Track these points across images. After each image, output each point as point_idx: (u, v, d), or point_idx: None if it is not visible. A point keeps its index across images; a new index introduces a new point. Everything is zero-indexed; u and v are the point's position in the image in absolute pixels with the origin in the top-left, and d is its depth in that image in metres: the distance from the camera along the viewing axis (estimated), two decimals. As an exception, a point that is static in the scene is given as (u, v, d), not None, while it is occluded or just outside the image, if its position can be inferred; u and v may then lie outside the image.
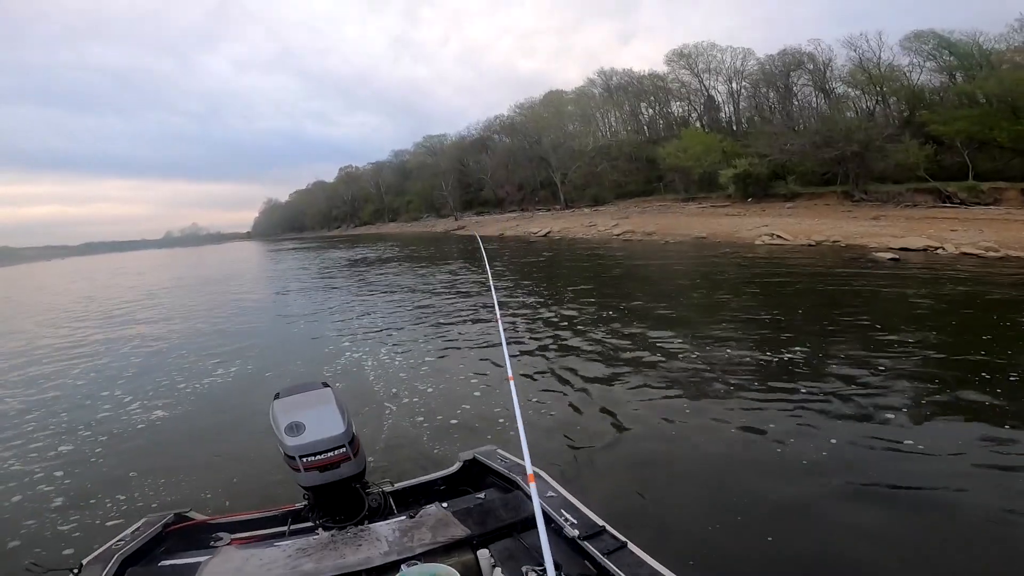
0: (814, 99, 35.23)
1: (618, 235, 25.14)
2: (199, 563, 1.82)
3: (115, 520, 3.60)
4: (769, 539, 2.95)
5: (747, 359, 6.08)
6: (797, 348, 6.20)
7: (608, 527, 1.80)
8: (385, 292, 15.47)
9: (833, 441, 4.03)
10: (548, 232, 30.25)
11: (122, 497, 4.03)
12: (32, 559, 2.44)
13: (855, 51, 30.62)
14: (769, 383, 5.26)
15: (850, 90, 32.19)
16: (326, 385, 2.24)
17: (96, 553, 1.94)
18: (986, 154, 22.97)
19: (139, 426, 5.69)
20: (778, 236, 18.35)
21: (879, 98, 30.68)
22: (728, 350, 6.45)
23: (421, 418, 5.23)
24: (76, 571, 1.79)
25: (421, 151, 66.27)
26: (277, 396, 2.17)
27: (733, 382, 5.37)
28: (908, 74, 29.33)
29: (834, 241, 16.76)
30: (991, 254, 12.40)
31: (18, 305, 21.98)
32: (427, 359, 7.42)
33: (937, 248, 13.59)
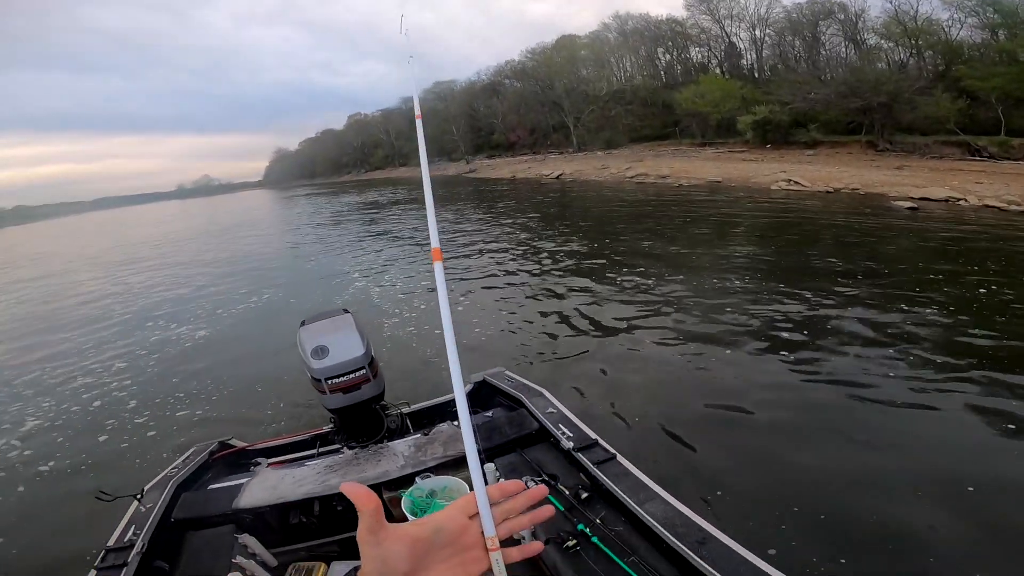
0: (843, 49, 33.74)
1: (631, 177, 24.65)
2: (241, 484, 2.03)
3: (169, 446, 3.98)
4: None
5: (746, 297, 6.11)
6: (802, 291, 6.15)
7: (600, 440, 1.92)
8: (392, 231, 15.55)
9: (794, 370, 4.18)
10: (560, 174, 29.72)
11: (175, 426, 4.40)
12: (101, 485, 2.64)
13: (891, 3, 28.99)
14: (764, 322, 5.30)
15: (883, 42, 30.65)
16: (347, 311, 2.39)
17: (154, 480, 2.16)
18: (1022, 111, 22.09)
19: (183, 358, 6.12)
20: (795, 182, 17.92)
21: (913, 51, 29.22)
22: (728, 285, 6.51)
23: (429, 345, 5.47)
24: (139, 496, 2.01)
25: (431, 97, 64.59)
26: (303, 324, 2.32)
27: (729, 320, 5.42)
28: (947, 29, 27.91)
29: (853, 189, 16.35)
30: (1014, 207, 12.08)
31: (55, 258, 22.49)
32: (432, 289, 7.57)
33: (960, 199, 13.20)
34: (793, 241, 8.68)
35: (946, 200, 13.29)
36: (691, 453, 3.22)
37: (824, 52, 34.47)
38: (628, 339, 5.08)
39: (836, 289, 5.92)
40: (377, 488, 1.94)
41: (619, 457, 1.82)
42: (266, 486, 1.97)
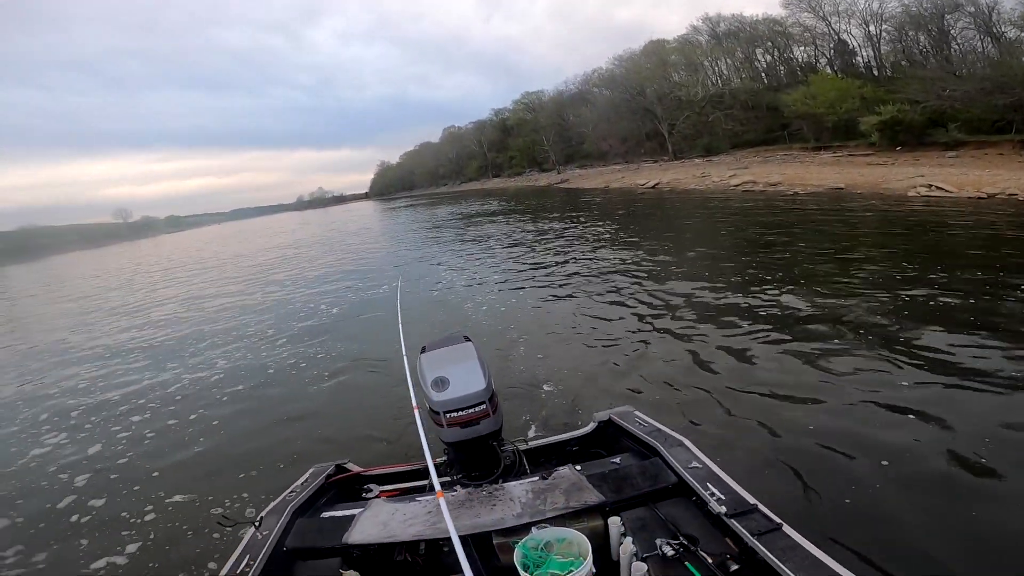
0: (979, 43, 30.38)
1: (736, 186, 23.39)
2: (354, 515, 2.02)
3: (288, 461, 4.06)
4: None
5: (897, 324, 5.21)
6: (963, 313, 5.22)
7: (760, 506, 1.65)
8: (496, 244, 15.65)
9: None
10: (656, 184, 28.92)
11: (290, 448, 4.43)
12: (222, 511, 2.84)
13: (1027, -9, 25.66)
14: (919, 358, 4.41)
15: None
16: (467, 339, 2.31)
17: (272, 505, 2.20)
18: None
19: (311, 373, 6.26)
20: (937, 187, 16.12)
21: (1061, 43, 25.74)
22: (867, 312, 5.61)
23: (545, 373, 5.16)
24: (257, 523, 2.03)
25: (520, 108, 65.81)
26: (423, 350, 2.27)
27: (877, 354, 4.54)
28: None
29: (1011, 194, 14.44)
30: None
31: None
32: (550, 312, 7.41)
33: None
34: (985, 265, 7.18)
35: None
36: (892, 530, 2.62)
37: (957, 46, 31.25)
38: (790, 380, 4.35)
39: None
40: (488, 535, 1.83)
41: (786, 527, 1.54)
42: (376, 521, 1.95)
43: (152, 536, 3.49)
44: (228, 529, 2.09)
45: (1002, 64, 23.95)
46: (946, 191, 15.73)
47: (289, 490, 2.34)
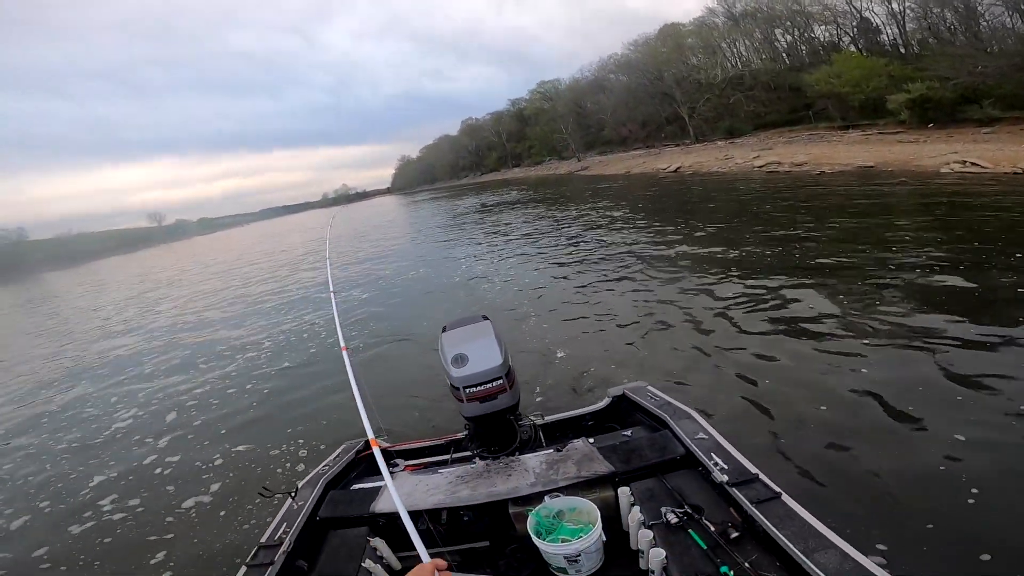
0: (1008, 19, 29.55)
1: (760, 167, 23.18)
2: (381, 487, 2.15)
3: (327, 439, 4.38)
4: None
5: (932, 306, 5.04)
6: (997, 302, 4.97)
7: (762, 475, 1.71)
8: (514, 232, 15.82)
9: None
10: (678, 167, 28.77)
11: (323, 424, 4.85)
12: (264, 482, 3.16)
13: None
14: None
15: (1055, 8, 26.41)
16: (486, 318, 2.41)
17: (307, 478, 2.37)
18: None
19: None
20: (972, 163, 15.88)
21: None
22: (920, 292, 5.45)
23: (564, 352, 5.36)
24: (293, 493, 2.18)
25: (537, 97, 65.51)
26: (444, 329, 2.37)
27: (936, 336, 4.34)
28: None
29: (1048, 167, 14.25)
30: None
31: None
32: (569, 294, 7.65)
33: None
34: (979, 236, 7.10)
35: None
36: (890, 508, 2.63)
37: (985, 23, 30.42)
38: (807, 359, 4.38)
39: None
40: (504, 503, 1.94)
41: (784, 496, 1.61)
42: (402, 492, 2.01)
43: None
44: (268, 498, 2.24)
45: (1033, 38, 23.39)
46: (981, 167, 15.52)
47: (323, 464, 2.52)
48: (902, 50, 34.13)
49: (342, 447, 2.73)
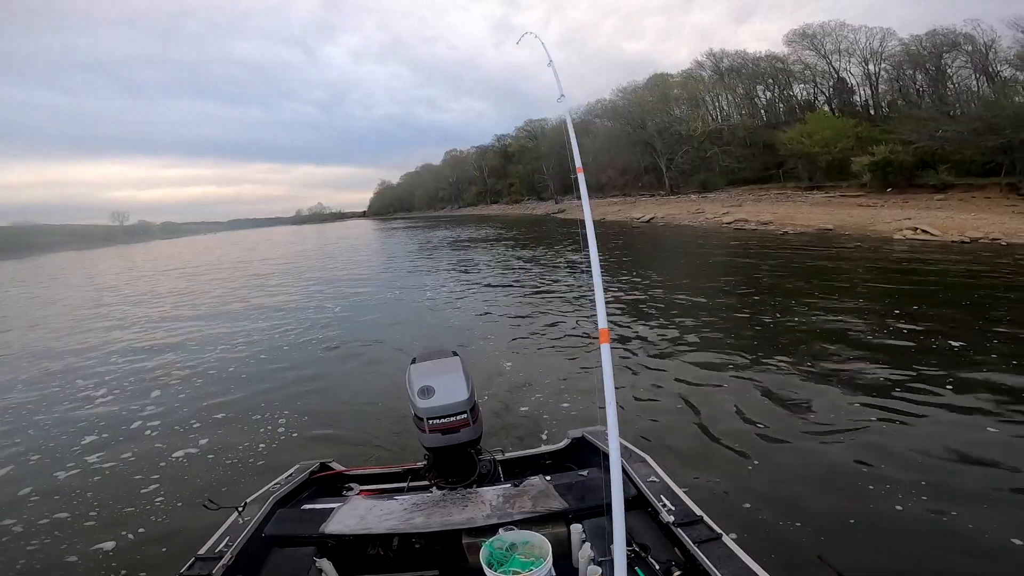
0: (974, 82, 30.70)
1: (728, 223, 23.52)
2: (333, 508, 2.09)
3: (276, 461, 4.05)
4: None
5: (869, 368, 5.30)
6: (936, 362, 5.30)
7: (706, 517, 1.77)
8: (488, 270, 15.77)
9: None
10: (651, 218, 29.12)
11: (289, 439, 4.68)
12: (208, 495, 2.91)
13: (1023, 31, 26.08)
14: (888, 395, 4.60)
15: (1019, 73, 27.53)
16: (455, 354, 2.44)
17: (256, 495, 2.29)
18: None
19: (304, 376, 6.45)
20: (923, 231, 16.15)
21: (1056, 83, 25.99)
22: (841, 355, 5.69)
23: (528, 392, 5.29)
24: (240, 508, 2.12)
25: (523, 135, 66.72)
26: (414, 361, 2.39)
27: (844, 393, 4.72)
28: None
29: (993, 238, 14.46)
30: None
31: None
32: (533, 338, 7.47)
33: None
34: (967, 309, 7.45)
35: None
36: (826, 547, 2.78)
37: (952, 86, 31.57)
38: (751, 406, 4.58)
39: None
40: (458, 533, 1.93)
41: (725, 538, 1.66)
42: (354, 515, 2.01)
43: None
44: (213, 511, 2.12)
45: (995, 104, 24.22)
46: (931, 234, 15.75)
47: (274, 482, 2.44)
48: (872, 112, 35.35)
49: (296, 467, 2.67)
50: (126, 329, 10.69)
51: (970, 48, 29.52)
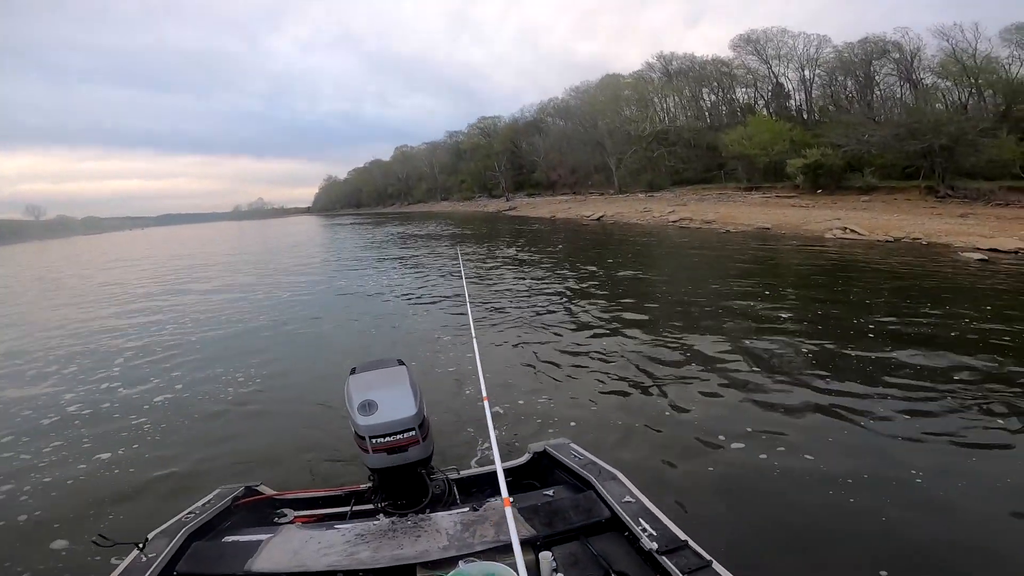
0: (899, 89, 32.88)
1: (674, 222, 24.20)
2: (261, 541, 1.85)
3: (189, 488, 3.40)
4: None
5: (805, 355, 5.55)
6: (865, 349, 5.55)
7: (691, 542, 1.63)
8: (437, 268, 15.53)
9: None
10: (600, 216, 29.53)
11: (199, 466, 3.97)
12: (103, 528, 2.44)
13: (947, 41, 28.16)
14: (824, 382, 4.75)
15: (940, 81, 29.71)
16: (401, 363, 2.21)
17: (164, 527, 1.95)
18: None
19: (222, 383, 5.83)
20: (851, 230, 17.09)
21: (973, 90, 28.21)
22: (780, 346, 5.90)
23: (478, 402, 4.94)
24: (141, 545, 1.77)
25: (475, 132, 66.39)
26: (353, 371, 2.16)
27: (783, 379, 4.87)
28: (1008, 67, 26.89)
29: (915, 238, 15.44)
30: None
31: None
32: (489, 338, 7.13)
33: (1032, 251, 12.23)
34: (889, 302, 7.86)
35: (1016, 251, 12.31)
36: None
37: (879, 92, 33.67)
38: (715, 413, 4.43)
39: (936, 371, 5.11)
40: (412, 567, 1.72)
41: (716, 565, 1.52)
42: (287, 548, 1.79)
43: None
44: (107, 548, 1.75)
45: (916, 110, 25.94)
46: (859, 233, 16.70)
47: (187, 511, 2.09)
48: (805, 116, 37.18)
49: (215, 492, 2.29)
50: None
51: (897, 56, 31.49)
